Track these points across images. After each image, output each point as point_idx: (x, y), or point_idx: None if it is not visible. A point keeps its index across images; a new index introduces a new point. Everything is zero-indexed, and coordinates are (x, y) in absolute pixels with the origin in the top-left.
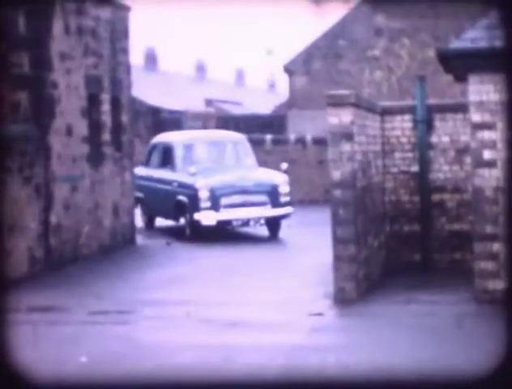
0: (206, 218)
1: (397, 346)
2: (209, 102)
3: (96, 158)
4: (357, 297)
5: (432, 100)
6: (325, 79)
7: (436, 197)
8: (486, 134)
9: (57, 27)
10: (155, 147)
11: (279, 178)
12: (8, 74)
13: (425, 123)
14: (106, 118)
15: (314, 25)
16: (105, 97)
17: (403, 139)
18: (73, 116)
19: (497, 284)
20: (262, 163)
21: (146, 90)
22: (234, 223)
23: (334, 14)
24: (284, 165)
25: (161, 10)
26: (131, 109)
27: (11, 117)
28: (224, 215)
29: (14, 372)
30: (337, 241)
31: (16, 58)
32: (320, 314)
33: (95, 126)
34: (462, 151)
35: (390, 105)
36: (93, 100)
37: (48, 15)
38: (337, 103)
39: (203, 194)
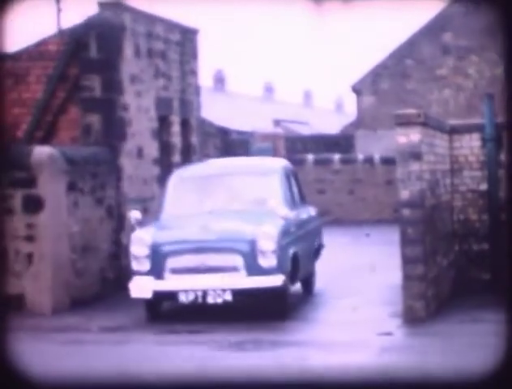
0: (139, 288)
1: (468, 365)
2: (277, 123)
3: (166, 179)
4: (426, 316)
5: (500, 118)
6: (392, 98)
7: (505, 215)
8: None
9: (128, 49)
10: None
11: (259, 230)
12: (80, 97)
13: (494, 141)
14: (176, 140)
15: (381, 46)
16: (175, 119)
17: (472, 158)
18: (144, 138)
19: None
20: (329, 182)
21: (215, 111)
22: (181, 297)
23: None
24: (280, 209)
25: (229, 31)
26: (201, 131)
27: (83, 139)
28: (166, 284)
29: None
30: (406, 260)
31: (88, 81)
32: (389, 334)
33: (165, 148)
34: None
35: (459, 124)
36: (163, 122)
37: (118, 38)
38: (405, 122)
39: (138, 251)
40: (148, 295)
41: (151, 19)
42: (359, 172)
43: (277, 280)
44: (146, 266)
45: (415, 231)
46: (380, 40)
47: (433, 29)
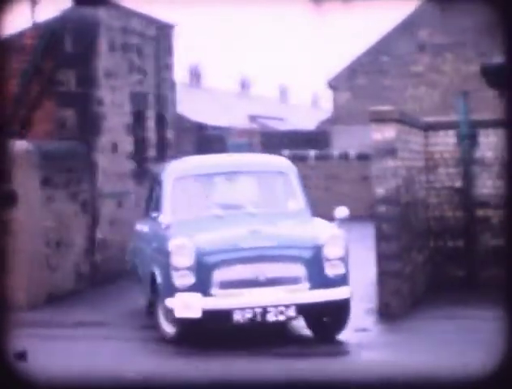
0: (185, 306)
1: (444, 362)
2: (253, 118)
3: (141, 174)
4: (402, 313)
5: (475, 116)
6: (368, 94)
7: (480, 212)
8: None
9: (103, 44)
10: (152, 183)
11: (325, 234)
12: (55, 92)
13: (469, 138)
14: (151, 135)
15: (356, 42)
16: (150, 114)
17: (447, 155)
18: (118, 132)
19: None
20: (305, 178)
21: (190, 106)
22: (236, 316)
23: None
24: (343, 211)
25: (205, 27)
26: (176, 126)
27: (58, 133)
28: (218, 301)
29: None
30: (381, 256)
31: (63, 76)
32: (366, 330)
33: (140, 143)
34: (505, 166)
35: (434, 121)
36: (138, 117)
37: (93, 33)
38: (380, 119)
39: (181, 262)
40: (197, 314)
41: (127, 14)
42: (334, 168)
43: (345, 292)
44: (190, 279)
45: (390, 227)
46: (357, 37)
47: (408, 26)
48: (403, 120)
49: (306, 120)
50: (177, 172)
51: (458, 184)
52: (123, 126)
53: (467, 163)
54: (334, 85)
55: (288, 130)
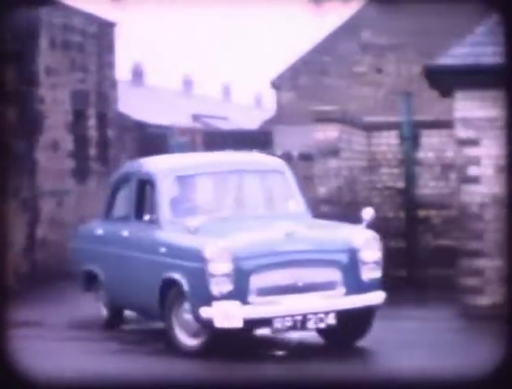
0: (226, 316)
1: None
2: (196, 117)
3: (81, 173)
4: None
5: (418, 116)
6: (311, 94)
7: (422, 213)
8: (471, 151)
9: (44, 41)
10: (122, 182)
11: (360, 237)
12: None
13: (411, 139)
14: (92, 133)
15: (300, 41)
16: (91, 112)
17: (389, 155)
18: (59, 131)
19: (483, 300)
20: None
21: (132, 105)
22: (276, 324)
23: (333, 15)
24: (369, 212)
25: (148, 24)
26: (118, 124)
27: None
28: (259, 310)
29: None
30: None
31: (3, 73)
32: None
33: (81, 141)
34: (447, 167)
35: (376, 121)
36: (79, 115)
37: (34, 30)
38: (323, 119)
39: (220, 269)
40: (238, 324)
41: (68, 11)
42: None
43: (380, 297)
44: (228, 286)
45: None
46: (301, 36)
47: (351, 26)
48: (346, 120)
49: (250, 119)
50: (175, 170)
51: (400, 184)
52: (64, 124)
53: (409, 163)
54: (277, 85)
55: (231, 130)
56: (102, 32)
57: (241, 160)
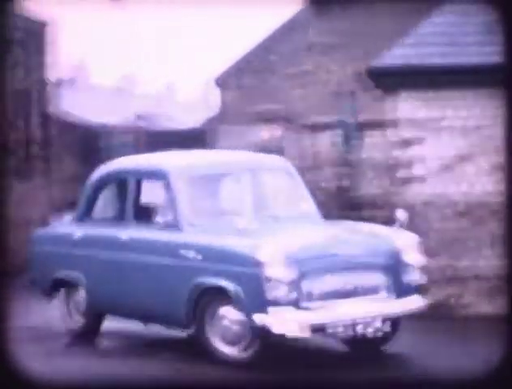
0: (283, 322)
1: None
2: (139, 116)
3: (22, 172)
4: None
5: (362, 116)
6: (256, 93)
7: (365, 212)
8: (415, 150)
9: None
10: (108, 182)
11: (403, 239)
12: None
13: (355, 139)
14: (32, 132)
15: (246, 39)
16: (31, 111)
17: (333, 154)
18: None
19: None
20: None
21: (74, 104)
22: (330, 331)
23: (278, 14)
24: (403, 214)
25: (90, 23)
26: (58, 124)
27: None
28: (316, 315)
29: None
30: None
31: None
32: None
33: (20, 140)
34: (391, 166)
35: (321, 121)
36: (18, 115)
37: None
38: (267, 118)
39: (275, 273)
40: (296, 330)
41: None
42: None
43: (421, 301)
44: (284, 291)
45: None
46: (245, 34)
47: (296, 25)
48: (290, 119)
49: (194, 118)
50: (191, 169)
51: (344, 183)
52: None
53: (353, 163)
54: (221, 83)
55: (174, 129)
56: (42, 31)
57: (251, 158)
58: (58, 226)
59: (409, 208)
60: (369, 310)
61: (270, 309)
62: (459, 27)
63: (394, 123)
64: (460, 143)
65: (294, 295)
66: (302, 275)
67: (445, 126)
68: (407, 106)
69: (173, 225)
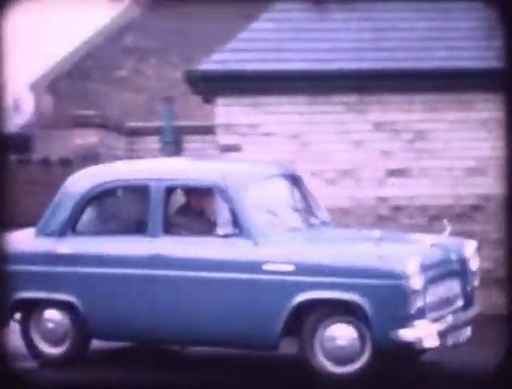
0: (429, 335)
1: None
2: None
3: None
4: None
5: (181, 122)
6: (72, 99)
7: None
8: (233, 156)
9: None
10: (107, 192)
11: (469, 246)
12: None
13: (174, 144)
14: None
15: (61, 43)
16: None
17: None
18: None
19: None
20: (6, 184)
21: None
22: (443, 340)
23: (96, 18)
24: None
25: None
26: None
27: None
28: (439, 326)
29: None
30: None
31: None
32: None
33: None
34: None
35: (138, 126)
36: None
37: None
38: (82, 123)
39: (416, 285)
40: (436, 342)
41: None
42: (35, 173)
43: (478, 308)
44: (420, 303)
45: None
46: (61, 39)
47: (114, 30)
48: (107, 125)
49: (7, 124)
50: (244, 177)
51: None
52: None
53: None
54: (35, 88)
55: None
56: None
57: (274, 165)
58: (16, 242)
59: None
60: (462, 318)
61: (416, 322)
62: (280, 33)
63: (212, 129)
64: (278, 149)
65: (423, 306)
66: (428, 286)
67: (262, 132)
68: (225, 112)
69: (242, 237)
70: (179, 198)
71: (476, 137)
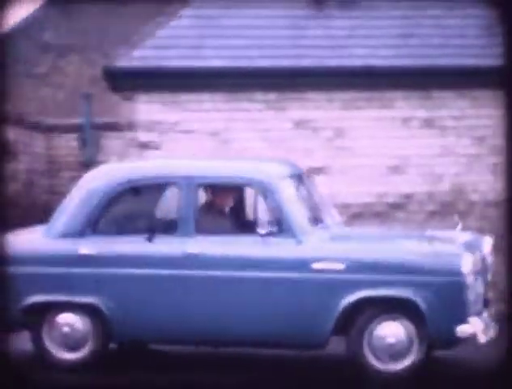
0: (484, 330)
1: None
2: None
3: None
4: None
5: (100, 119)
6: None
7: None
8: (153, 154)
9: None
10: (132, 190)
11: (487, 242)
12: None
13: (91, 142)
14: None
15: None
16: None
17: (70, 158)
18: None
19: None
20: None
21: None
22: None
23: (12, 14)
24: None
25: None
26: None
27: None
28: (483, 320)
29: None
30: None
31: None
32: None
33: None
34: None
35: (56, 123)
36: None
37: None
38: None
39: (471, 281)
40: (485, 338)
41: None
42: None
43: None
44: (472, 299)
45: None
46: None
47: (31, 26)
48: (24, 122)
49: None
50: (282, 174)
51: None
52: None
53: (89, 166)
54: None
55: None
56: None
57: (285, 162)
58: (22, 242)
59: None
60: (491, 314)
61: (472, 319)
62: (200, 30)
63: (131, 126)
64: (198, 147)
65: (474, 302)
66: (474, 282)
67: (182, 129)
68: (145, 109)
69: (285, 235)
70: (207, 196)
71: (397, 135)
